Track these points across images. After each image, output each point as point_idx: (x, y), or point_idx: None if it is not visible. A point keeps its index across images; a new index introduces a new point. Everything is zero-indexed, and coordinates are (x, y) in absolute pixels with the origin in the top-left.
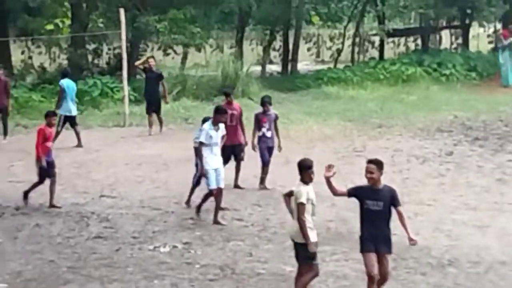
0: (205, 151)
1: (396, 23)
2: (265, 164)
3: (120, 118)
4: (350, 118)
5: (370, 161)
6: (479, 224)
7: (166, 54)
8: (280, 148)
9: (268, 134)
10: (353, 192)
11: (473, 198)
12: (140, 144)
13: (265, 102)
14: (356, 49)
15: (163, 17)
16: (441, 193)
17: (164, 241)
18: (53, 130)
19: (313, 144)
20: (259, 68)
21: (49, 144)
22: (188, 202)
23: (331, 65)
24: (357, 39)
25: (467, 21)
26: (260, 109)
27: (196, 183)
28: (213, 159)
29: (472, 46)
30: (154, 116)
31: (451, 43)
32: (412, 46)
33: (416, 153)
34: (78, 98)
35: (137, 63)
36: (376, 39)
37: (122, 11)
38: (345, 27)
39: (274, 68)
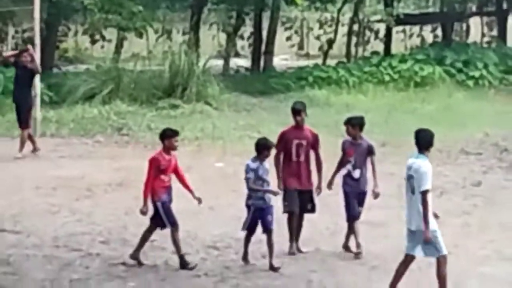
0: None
1: (409, 6)
2: (349, 219)
3: None
4: (344, 133)
5: None
6: None
7: (94, 41)
8: (376, 194)
9: (356, 174)
10: None
11: (509, 245)
12: (56, 162)
13: (349, 123)
14: (354, 40)
15: None
16: (465, 237)
17: None
18: (173, 157)
19: None
20: (220, 62)
21: (166, 178)
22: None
23: (319, 61)
24: (355, 27)
25: (504, 6)
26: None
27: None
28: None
29: (511, 40)
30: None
31: (483, 35)
32: (429, 37)
33: (433, 183)
34: None
35: (7, 53)
36: (381, 27)
37: None
38: (339, 10)
39: (242, 62)
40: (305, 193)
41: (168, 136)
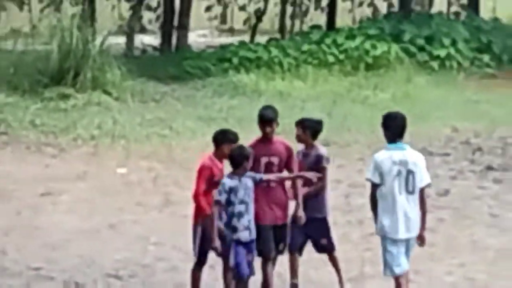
0: None
1: None
2: (290, 248)
3: None
4: (277, 129)
5: None
6: None
7: None
8: (298, 218)
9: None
10: None
11: (483, 269)
12: None
13: (300, 124)
14: (289, 11)
15: None
16: (429, 260)
17: None
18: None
19: None
20: (122, 40)
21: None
22: None
23: (246, 38)
24: None
25: None
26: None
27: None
28: None
29: (486, 10)
30: None
31: (449, 4)
32: (383, 7)
33: None
34: None
35: None
36: None
37: None
38: None
39: (149, 40)
40: (279, 228)
41: (229, 140)
